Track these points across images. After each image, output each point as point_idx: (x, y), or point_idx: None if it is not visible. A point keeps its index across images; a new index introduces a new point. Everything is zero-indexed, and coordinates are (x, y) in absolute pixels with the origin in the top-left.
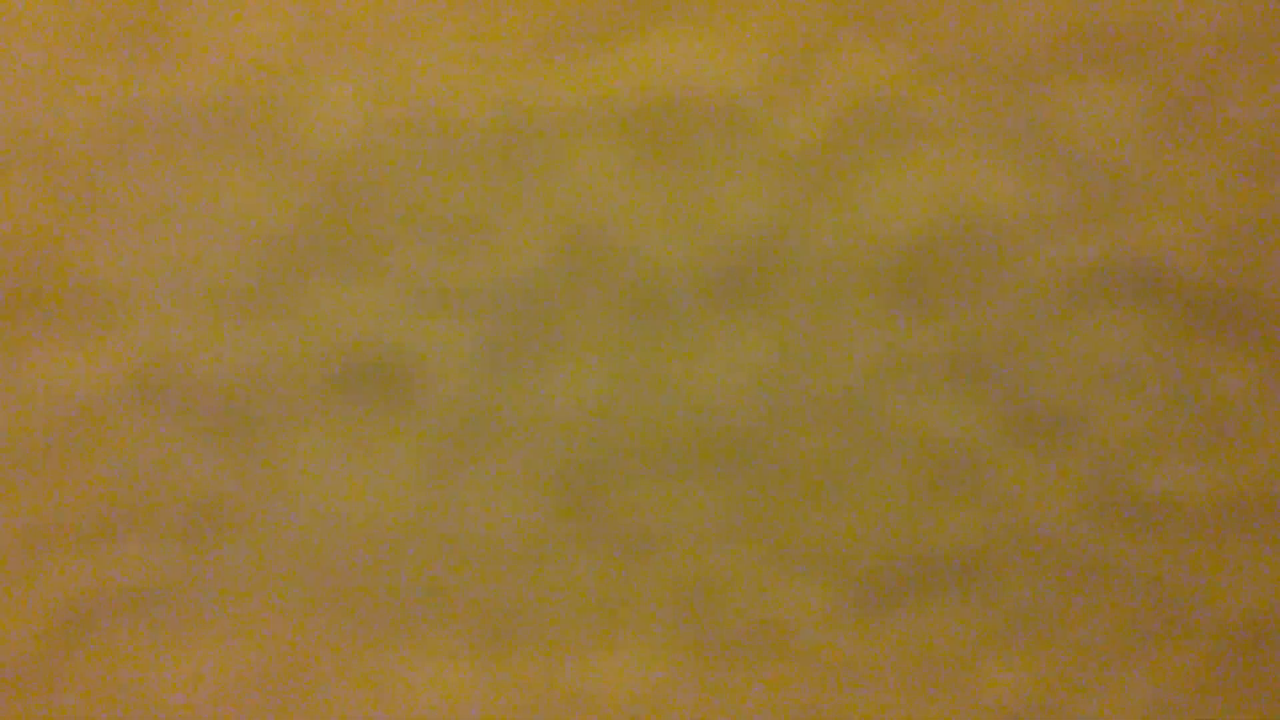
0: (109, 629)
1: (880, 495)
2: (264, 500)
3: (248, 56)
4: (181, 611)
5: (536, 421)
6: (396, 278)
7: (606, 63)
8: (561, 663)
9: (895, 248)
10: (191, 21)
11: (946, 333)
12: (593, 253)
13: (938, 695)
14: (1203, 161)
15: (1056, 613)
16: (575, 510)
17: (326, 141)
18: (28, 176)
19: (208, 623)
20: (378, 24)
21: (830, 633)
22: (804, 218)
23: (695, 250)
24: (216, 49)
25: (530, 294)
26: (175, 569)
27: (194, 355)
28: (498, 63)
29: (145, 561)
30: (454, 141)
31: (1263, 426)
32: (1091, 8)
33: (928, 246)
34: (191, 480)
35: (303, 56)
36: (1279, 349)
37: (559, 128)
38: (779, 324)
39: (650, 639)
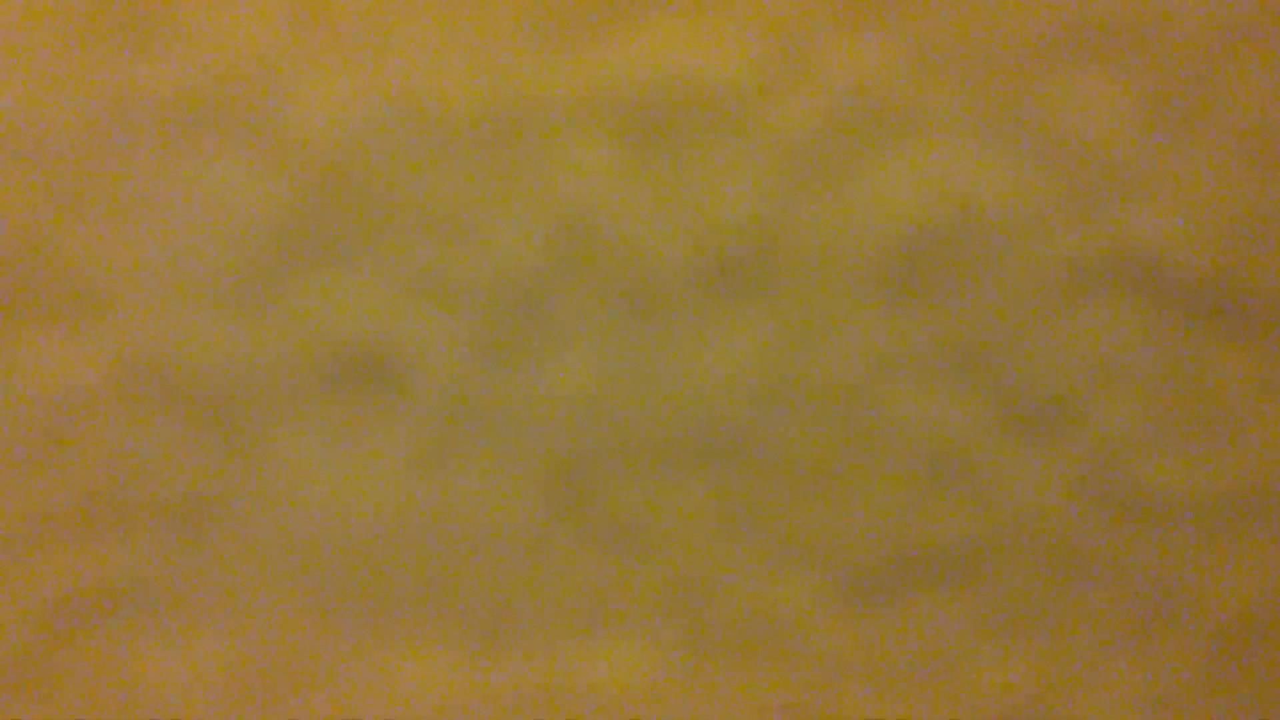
0: (99, 623)
1: (875, 489)
2: (254, 494)
3: (237, 49)
4: (172, 606)
5: (529, 415)
6: (387, 270)
7: (600, 53)
8: (555, 656)
9: (890, 240)
10: (181, 14)
11: (942, 325)
12: (585, 245)
13: (933, 689)
14: (1198, 154)
15: (1052, 606)
16: (568, 504)
17: (316, 134)
18: (16, 169)
19: (198, 617)
20: (367, 17)
21: (825, 626)
22: (798, 210)
23: (689, 242)
24: (206, 42)
25: (522, 286)
26: (165, 563)
27: (183, 348)
28: (489, 54)
29: (135, 556)
30: (445, 133)
31: (1259, 419)
32: (1087, 1)
33: (923, 239)
34: (181, 474)
35: (293, 49)
36: (1275, 341)
37: (551, 119)
38: (773, 316)
39: (644, 633)
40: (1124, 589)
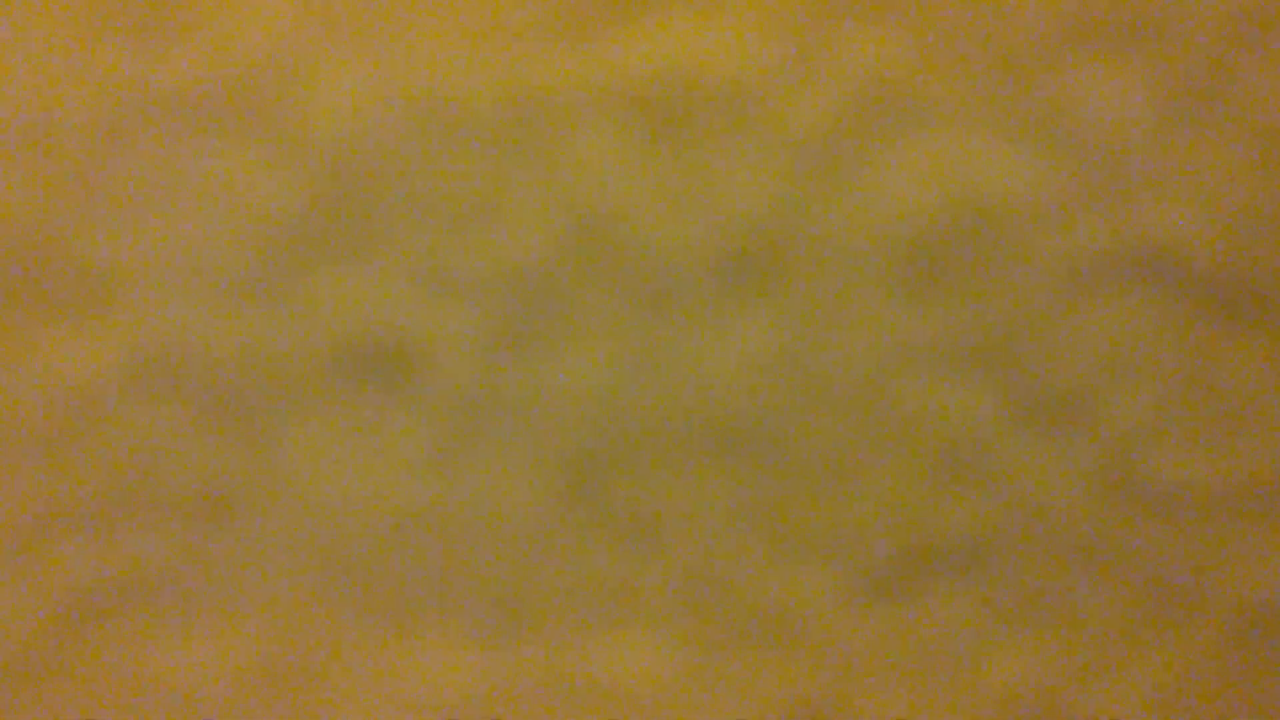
0: (111, 617)
1: (888, 481)
2: (267, 487)
3: (250, 41)
4: (184, 599)
5: (542, 407)
6: (400, 262)
7: (612, 46)
8: (567, 649)
9: (903, 233)
10: (194, 8)
11: (954, 318)
12: (598, 237)
13: (945, 681)
14: (1212, 146)
15: (1064, 599)
16: (581, 497)
17: (329, 126)
18: (29, 161)
19: (210, 611)
20: (380, 11)
21: (838, 619)
22: (811, 202)
23: (702, 235)
24: (218, 34)
25: (535, 279)
26: (177, 557)
27: (196, 341)
28: (502, 46)
29: (147, 549)
30: (458, 125)
31: (1272, 412)
32: None
33: (935, 232)
34: (193, 467)
35: (306, 40)
36: None
37: (564, 111)
38: (786, 309)
39: (656, 625)
40: (1138, 582)
